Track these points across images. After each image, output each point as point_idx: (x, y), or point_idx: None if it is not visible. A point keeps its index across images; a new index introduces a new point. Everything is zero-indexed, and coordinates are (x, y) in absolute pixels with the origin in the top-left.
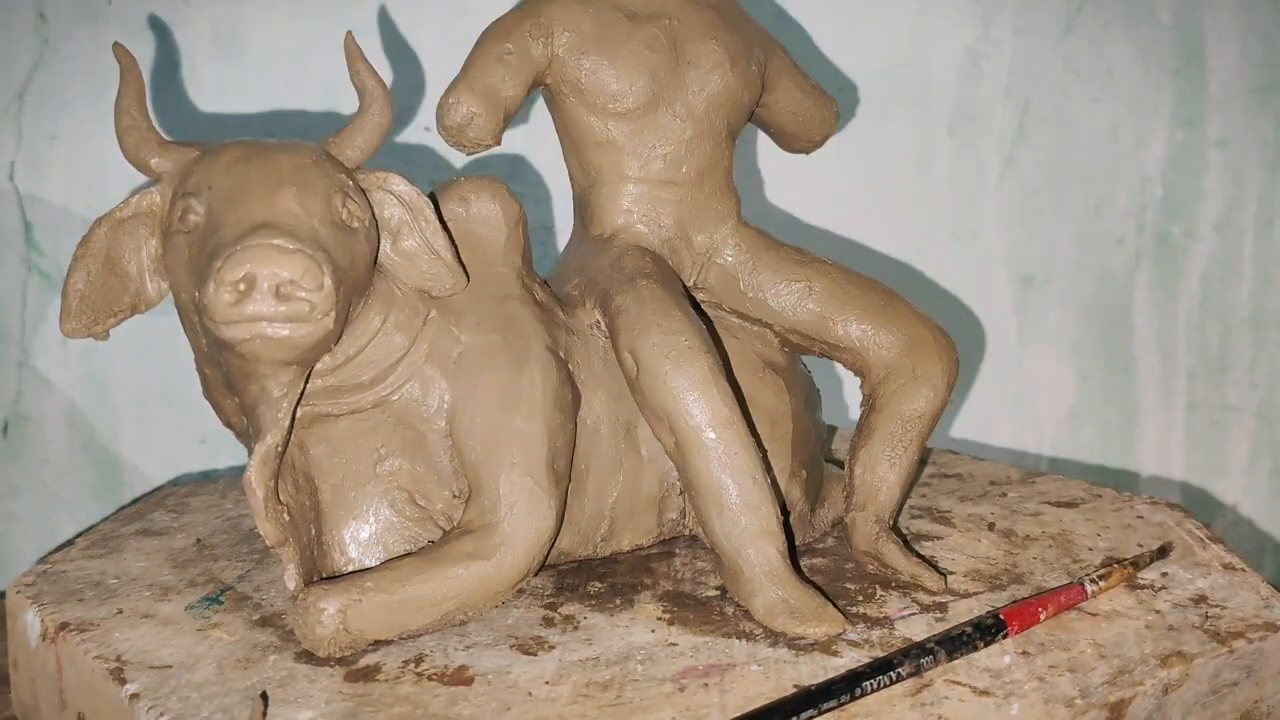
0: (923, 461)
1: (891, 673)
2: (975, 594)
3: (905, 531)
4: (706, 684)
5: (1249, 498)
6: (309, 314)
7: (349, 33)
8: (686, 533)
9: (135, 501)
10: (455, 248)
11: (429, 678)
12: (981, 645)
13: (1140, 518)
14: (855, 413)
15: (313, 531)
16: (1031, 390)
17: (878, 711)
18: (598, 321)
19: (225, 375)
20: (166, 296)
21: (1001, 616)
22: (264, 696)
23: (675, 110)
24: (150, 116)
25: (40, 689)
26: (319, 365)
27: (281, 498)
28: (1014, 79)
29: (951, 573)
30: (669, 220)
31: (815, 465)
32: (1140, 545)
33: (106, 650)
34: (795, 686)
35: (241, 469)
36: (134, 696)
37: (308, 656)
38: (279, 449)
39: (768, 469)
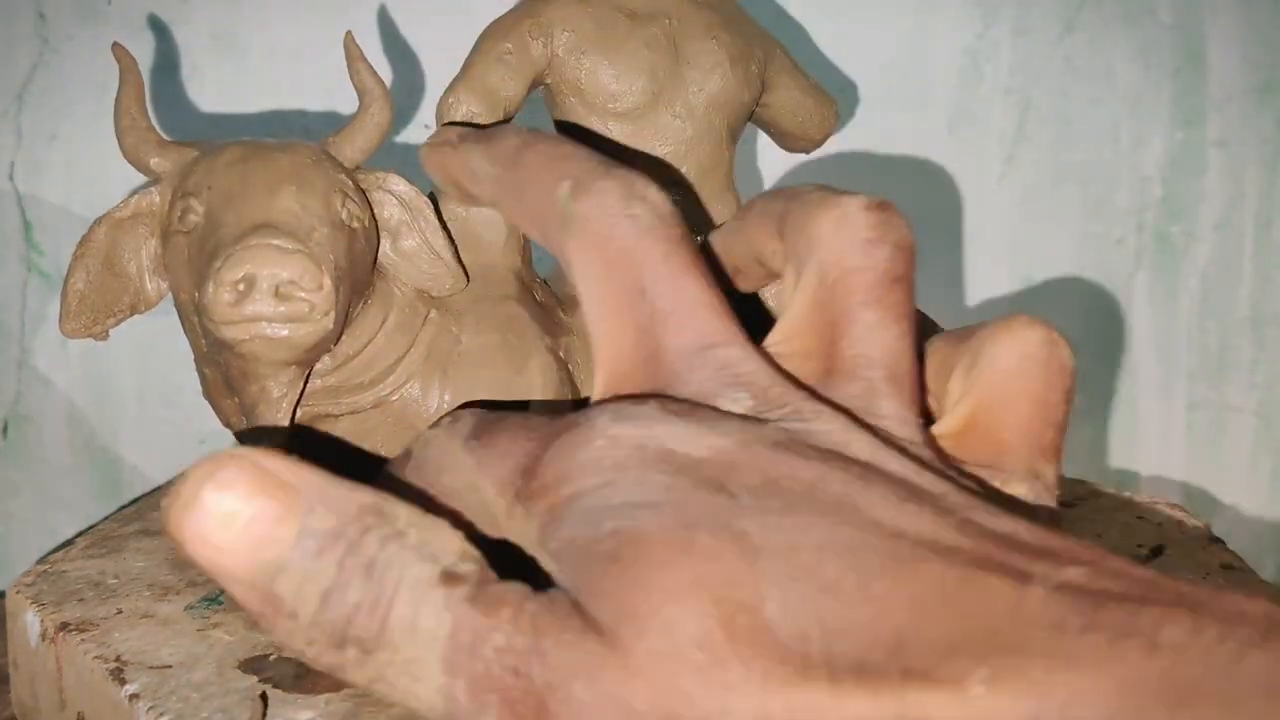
0: None
1: None
2: None
3: None
4: None
5: (1249, 498)
6: (308, 314)
7: (349, 33)
8: None
9: (135, 501)
10: (455, 248)
11: None
12: None
13: (1140, 518)
14: None
15: None
16: None
17: None
18: None
19: (225, 375)
20: (166, 296)
21: None
22: (264, 696)
23: (675, 110)
24: (150, 116)
25: (40, 689)
26: (319, 366)
27: None
28: (1014, 79)
29: None
30: None
31: None
32: (1140, 545)
33: (106, 650)
34: None
35: None
36: (134, 697)
37: None
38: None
39: None
